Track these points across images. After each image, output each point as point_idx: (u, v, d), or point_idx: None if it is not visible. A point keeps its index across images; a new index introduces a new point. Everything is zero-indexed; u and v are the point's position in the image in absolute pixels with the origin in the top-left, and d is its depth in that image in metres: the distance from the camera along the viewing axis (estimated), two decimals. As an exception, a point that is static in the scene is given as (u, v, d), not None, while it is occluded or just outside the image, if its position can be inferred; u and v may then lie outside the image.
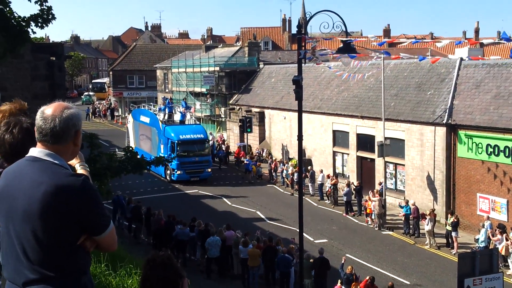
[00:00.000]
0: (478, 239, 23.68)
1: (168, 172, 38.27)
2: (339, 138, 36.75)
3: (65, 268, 3.39)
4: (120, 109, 76.31)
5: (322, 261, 19.90)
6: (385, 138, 30.11)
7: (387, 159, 30.71)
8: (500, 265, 20.90)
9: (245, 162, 40.54)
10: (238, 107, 48.19)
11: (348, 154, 35.74)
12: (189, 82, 55.34)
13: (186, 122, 40.58)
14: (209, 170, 38.42)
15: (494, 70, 27.51)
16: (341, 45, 17.61)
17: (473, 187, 26.93)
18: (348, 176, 35.18)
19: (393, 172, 32.01)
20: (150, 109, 44.25)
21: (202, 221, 24.45)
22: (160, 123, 39.62)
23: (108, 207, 29.82)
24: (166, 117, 41.28)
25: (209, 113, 53.32)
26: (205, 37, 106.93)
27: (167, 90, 63.93)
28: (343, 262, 19.67)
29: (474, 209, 26.78)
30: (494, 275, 14.40)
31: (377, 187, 30.41)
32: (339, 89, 37.53)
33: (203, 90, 52.88)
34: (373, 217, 28.79)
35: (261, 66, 50.38)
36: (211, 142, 42.79)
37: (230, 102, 49.62)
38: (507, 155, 25.07)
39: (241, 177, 39.52)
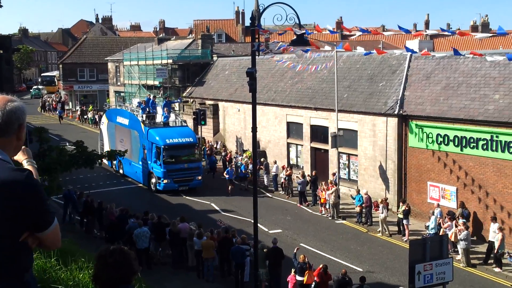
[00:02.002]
0: (428, 226, 24.19)
1: (153, 180, 33.73)
2: (293, 129, 36.93)
3: (7, 265, 3.28)
4: (70, 103, 74.81)
5: (276, 250, 19.97)
6: (338, 129, 30.41)
7: (340, 149, 31.04)
8: (450, 250, 21.41)
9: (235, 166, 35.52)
10: (191, 100, 47.86)
11: (302, 145, 35.97)
12: (142, 75, 54.60)
13: (171, 124, 35.96)
14: (199, 178, 33.83)
15: (443, 62, 28.06)
16: (295, 37, 17.67)
17: (423, 176, 27.47)
18: (302, 167, 35.42)
19: (346, 162, 32.38)
20: (129, 109, 39.46)
21: (155, 214, 24.21)
22: (142, 125, 34.95)
23: (59, 202, 29.27)
24: (148, 118, 36.30)
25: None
26: (158, 29, 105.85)
27: (119, 83, 62.97)
28: (295, 251, 19.78)
29: (425, 197, 27.34)
30: (444, 260, 14.69)
31: (332, 178, 30.70)
32: (293, 81, 37.69)
33: (156, 83, 52.28)
34: (327, 206, 29.08)
35: (214, 58, 50.15)
36: (202, 148, 38.45)
37: (184, 94, 49.23)
38: (456, 144, 25.65)
39: (237, 186, 34.01)
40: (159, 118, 36.37)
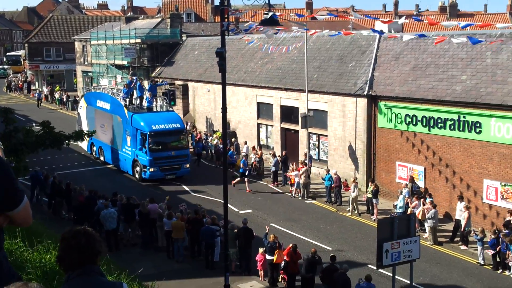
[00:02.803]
0: (396, 205, 24.51)
1: (138, 169, 31.94)
2: (263, 110, 36.88)
3: None
4: (37, 83, 73.44)
5: (246, 230, 20.04)
6: (309, 110, 30.48)
7: (310, 130, 31.15)
8: (417, 229, 21.76)
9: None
10: (161, 80, 47.38)
11: (272, 126, 35.98)
12: (110, 55, 53.74)
13: (156, 109, 34.23)
14: (187, 166, 32.16)
15: (412, 43, 28.21)
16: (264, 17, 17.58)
17: (392, 156, 27.76)
18: (273, 147, 35.48)
19: (316, 143, 32.52)
20: (110, 92, 37.14)
21: (124, 195, 24.03)
22: (125, 110, 32.81)
23: (26, 183, 28.81)
24: (137, 102, 34.68)
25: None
26: (125, 8, 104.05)
27: (86, 63, 61.97)
28: (266, 231, 19.87)
29: (393, 177, 27.66)
30: (411, 238, 14.88)
31: (302, 158, 30.83)
32: (263, 62, 37.55)
33: (124, 62, 51.51)
34: (295, 187, 29.19)
35: (184, 38, 49.62)
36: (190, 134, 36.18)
37: (153, 75, 48.69)
38: (424, 124, 25.94)
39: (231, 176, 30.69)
40: (136, 102, 34.74)
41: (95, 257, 3.67)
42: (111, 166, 35.25)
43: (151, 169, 30.96)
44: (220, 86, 17.73)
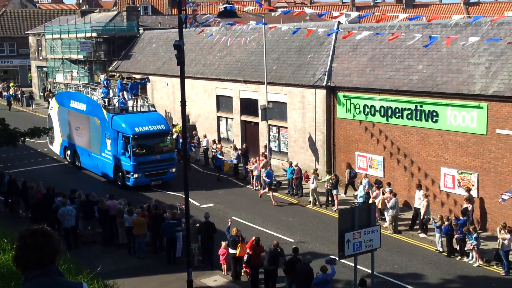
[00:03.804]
0: (357, 195, 24.75)
1: (120, 175, 29.53)
2: (222, 103, 36.72)
3: None
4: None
5: (208, 225, 19.93)
6: (268, 102, 30.47)
7: (270, 122, 31.16)
8: (378, 218, 22.03)
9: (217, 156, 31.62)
10: (118, 74, 46.61)
11: (232, 118, 35.86)
12: (65, 49, 52.70)
13: (135, 109, 31.46)
14: (174, 170, 29.57)
15: (370, 33, 28.39)
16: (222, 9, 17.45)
17: (351, 146, 28.00)
18: (233, 140, 35.39)
19: (276, 135, 32.57)
20: (86, 92, 33.85)
21: (82, 192, 23.62)
22: (104, 111, 30.27)
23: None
24: (115, 102, 31.41)
25: (87, 81, 51.23)
26: (80, 1, 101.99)
27: (41, 58, 60.58)
28: (229, 225, 19.81)
29: (353, 167, 27.88)
30: (372, 228, 15.00)
31: (262, 150, 30.84)
32: (222, 54, 37.35)
33: (80, 57, 50.61)
34: (255, 179, 29.17)
35: (141, 31, 48.96)
36: (175, 135, 33.02)
37: (110, 69, 47.95)
38: (382, 114, 26.22)
39: (216, 179, 30.67)
40: (112, 102, 31.45)
41: (53, 257, 3.60)
42: (71, 165, 34.59)
43: (135, 175, 28.46)
44: (179, 79, 17.53)
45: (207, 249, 19.97)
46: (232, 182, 30.63)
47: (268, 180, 27.08)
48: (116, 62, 47.95)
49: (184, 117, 17.62)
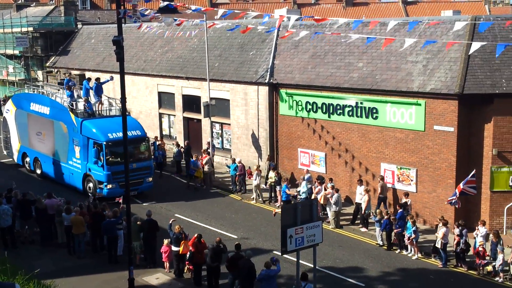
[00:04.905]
0: (299, 191, 24.93)
1: (91, 185, 26.90)
2: (164, 99, 36.31)
3: None
4: None
5: (150, 223, 19.66)
6: (211, 99, 30.33)
7: (213, 119, 31.02)
8: (320, 213, 22.27)
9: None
10: (56, 70, 45.51)
11: (174, 115, 35.51)
12: (0, 44, 50.99)
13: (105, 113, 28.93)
14: (150, 179, 27.41)
15: (311, 31, 28.67)
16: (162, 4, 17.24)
17: (294, 143, 28.20)
18: (175, 137, 35.05)
19: (220, 131, 32.46)
20: (49, 94, 31.16)
21: (19, 191, 22.88)
22: (72, 115, 27.63)
23: None
24: (80, 105, 28.51)
25: (23, 77, 49.76)
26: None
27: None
28: (170, 222, 19.60)
29: (296, 163, 28.12)
30: (314, 223, 15.09)
31: (205, 147, 30.67)
32: (163, 50, 36.91)
33: (16, 52, 49.11)
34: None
35: (79, 26, 47.84)
36: (151, 141, 30.46)
37: (47, 64, 46.68)
38: (324, 111, 26.51)
39: (193, 187, 28.70)
40: (80, 106, 28.51)
41: None
42: (4, 161, 33.42)
43: (109, 186, 26.03)
44: (119, 76, 17.19)
45: (149, 247, 19.70)
46: (175, 179, 30.32)
47: (283, 195, 25.07)
48: (53, 57, 46.69)
49: (124, 114, 17.37)
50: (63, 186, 28.37)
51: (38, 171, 30.89)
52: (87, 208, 21.47)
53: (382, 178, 23.86)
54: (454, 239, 19.78)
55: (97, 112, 28.51)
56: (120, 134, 25.13)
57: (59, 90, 31.20)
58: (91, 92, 28.93)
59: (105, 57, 41.15)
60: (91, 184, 26.86)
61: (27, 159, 32.01)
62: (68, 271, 19.14)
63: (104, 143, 25.93)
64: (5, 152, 34.42)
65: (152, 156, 29.07)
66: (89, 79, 30.26)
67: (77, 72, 43.19)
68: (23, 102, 31.94)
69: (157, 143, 32.09)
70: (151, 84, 36.70)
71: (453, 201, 20.77)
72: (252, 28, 31.12)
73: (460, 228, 19.71)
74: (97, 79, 30.03)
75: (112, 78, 31.27)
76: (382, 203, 23.66)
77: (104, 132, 26.33)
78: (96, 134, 26.40)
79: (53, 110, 29.04)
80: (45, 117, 29.62)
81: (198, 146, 32.32)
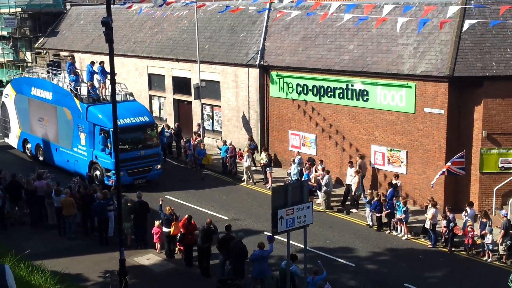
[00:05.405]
0: (290, 172, 25.00)
1: (97, 173, 26.05)
2: (154, 81, 36.13)
3: None
4: None
5: (141, 204, 19.68)
6: (201, 81, 30.24)
7: (203, 101, 30.95)
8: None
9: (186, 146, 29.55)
10: (45, 51, 45.07)
11: (164, 97, 35.37)
12: (-12, 25, 50.40)
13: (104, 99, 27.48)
14: (159, 167, 26.77)
15: (301, 13, 28.56)
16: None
17: (285, 125, 28.21)
18: (166, 119, 34.96)
19: (210, 113, 32.39)
20: (51, 79, 29.84)
21: (8, 172, 22.80)
22: (76, 101, 26.69)
23: None
24: (82, 90, 27.47)
25: (12, 58, 49.32)
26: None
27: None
28: (160, 203, 19.60)
29: (286, 145, 28.17)
30: (304, 204, 15.13)
31: (196, 129, 30.61)
32: (153, 32, 36.63)
33: (4, 33, 48.58)
34: (189, 158, 28.98)
35: (68, 7, 47.35)
36: (159, 128, 29.36)
37: (36, 46, 46.24)
38: (315, 93, 26.50)
39: (201, 178, 27.67)
40: (84, 90, 27.42)
41: None
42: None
43: None
44: (108, 57, 17.05)
45: (139, 228, 19.73)
46: (167, 161, 30.28)
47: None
48: (42, 39, 46.23)
49: (114, 95, 17.21)
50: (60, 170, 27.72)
51: (41, 158, 30.07)
52: (77, 190, 21.43)
53: (362, 157, 24.05)
54: (442, 230, 19.89)
55: (102, 97, 27.55)
56: (128, 121, 25.65)
57: (60, 73, 30.37)
58: (96, 76, 27.91)
59: (94, 39, 40.81)
60: (98, 172, 26.06)
61: (28, 146, 31.18)
62: (59, 253, 19.15)
63: (112, 129, 23.57)
64: (5, 140, 33.39)
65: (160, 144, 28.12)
66: (93, 62, 29.29)
67: (66, 54, 42.81)
68: (23, 86, 31.01)
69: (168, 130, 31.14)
70: (141, 66, 36.48)
71: (432, 182, 21.16)
72: (243, 9, 31.01)
73: (448, 214, 19.76)
74: (101, 62, 28.47)
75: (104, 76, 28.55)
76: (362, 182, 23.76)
77: (111, 118, 25.51)
78: (103, 120, 25.46)
79: (56, 96, 28.10)
80: (47, 103, 28.71)
81: (188, 128, 32.25)
